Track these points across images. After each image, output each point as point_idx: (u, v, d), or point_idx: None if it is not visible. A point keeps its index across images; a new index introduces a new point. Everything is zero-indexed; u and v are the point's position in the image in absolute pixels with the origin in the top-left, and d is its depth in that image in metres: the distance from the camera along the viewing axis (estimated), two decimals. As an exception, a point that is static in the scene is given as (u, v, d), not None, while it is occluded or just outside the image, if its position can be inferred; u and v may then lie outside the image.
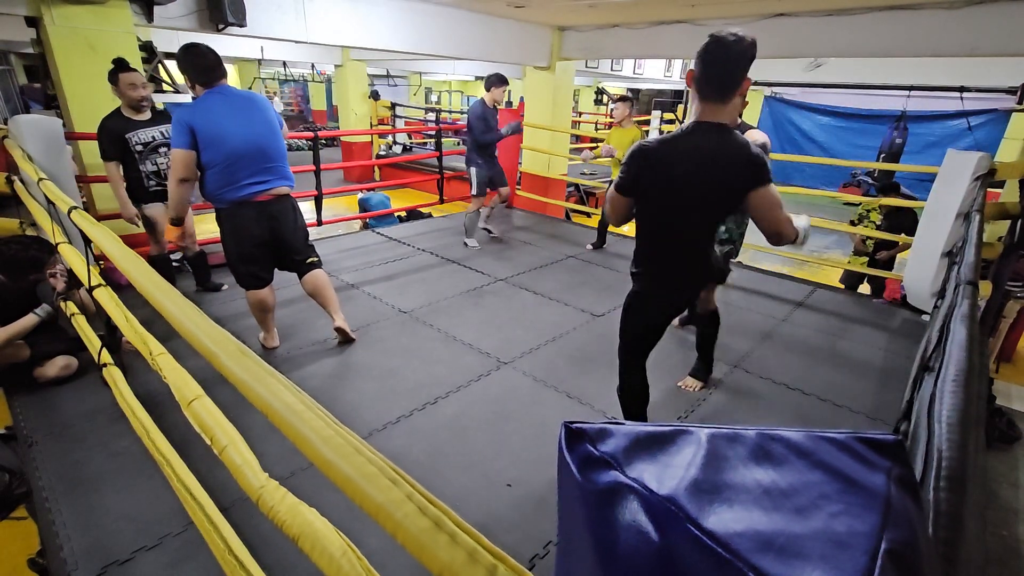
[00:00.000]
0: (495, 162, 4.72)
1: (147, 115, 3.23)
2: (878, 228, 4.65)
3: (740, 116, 2.58)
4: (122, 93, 3.14)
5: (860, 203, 5.29)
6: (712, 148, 1.63)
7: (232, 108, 2.44)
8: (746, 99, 2.31)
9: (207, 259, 3.74)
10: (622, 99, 4.64)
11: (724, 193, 1.69)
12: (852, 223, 4.87)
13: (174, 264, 3.80)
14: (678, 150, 1.67)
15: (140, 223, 3.31)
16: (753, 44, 1.53)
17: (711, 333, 2.74)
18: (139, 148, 3.19)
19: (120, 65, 3.12)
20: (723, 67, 1.56)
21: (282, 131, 2.67)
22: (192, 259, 3.65)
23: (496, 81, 4.41)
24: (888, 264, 4.62)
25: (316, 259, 2.87)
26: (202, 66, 2.43)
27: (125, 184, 3.24)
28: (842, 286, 4.83)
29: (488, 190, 4.77)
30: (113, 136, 3.12)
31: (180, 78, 3.34)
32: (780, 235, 1.69)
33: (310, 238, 2.88)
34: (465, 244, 4.92)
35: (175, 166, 2.43)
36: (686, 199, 1.72)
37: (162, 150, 3.26)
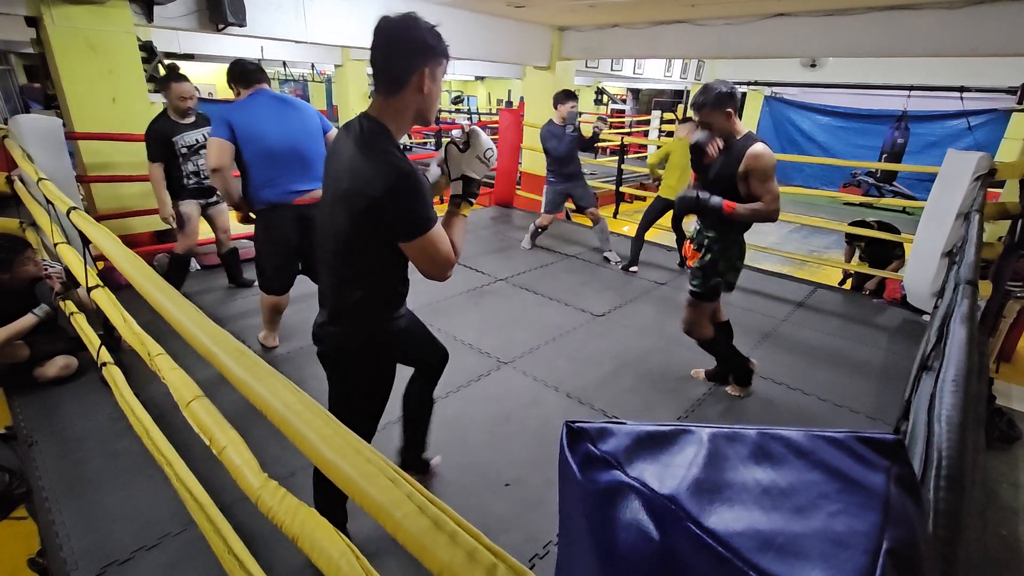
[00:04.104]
0: (570, 179, 4.66)
1: (192, 118, 3.34)
2: (862, 259, 4.74)
3: (735, 125, 2.17)
4: (171, 102, 3.25)
5: (859, 202, 5.33)
6: (350, 153, 1.27)
7: (270, 109, 2.54)
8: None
9: (239, 255, 3.78)
10: (684, 121, 4.66)
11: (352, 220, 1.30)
12: (848, 243, 4.96)
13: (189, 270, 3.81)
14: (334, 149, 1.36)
15: (174, 223, 3.38)
16: (425, 29, 1.21)
17: (718, 350, 2.65)
18: (184, 151, 3.31)
19: (173, 75, 3.26)
20: (383, 52, 1.23)
21: (326, 136, 2.69)
22: (225, 256, 3.69)
23: (562, 97, 4.41)
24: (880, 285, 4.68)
25: None
26: (240, 71, 2.58)
27: (165, 183, 3.33)
28: (847, 286, 4.88)
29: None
30: (160, 139, 3.22)
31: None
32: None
33: None
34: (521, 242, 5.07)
35: (209, 153, 2.50)
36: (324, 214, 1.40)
37: (203, 152, 3.34)
